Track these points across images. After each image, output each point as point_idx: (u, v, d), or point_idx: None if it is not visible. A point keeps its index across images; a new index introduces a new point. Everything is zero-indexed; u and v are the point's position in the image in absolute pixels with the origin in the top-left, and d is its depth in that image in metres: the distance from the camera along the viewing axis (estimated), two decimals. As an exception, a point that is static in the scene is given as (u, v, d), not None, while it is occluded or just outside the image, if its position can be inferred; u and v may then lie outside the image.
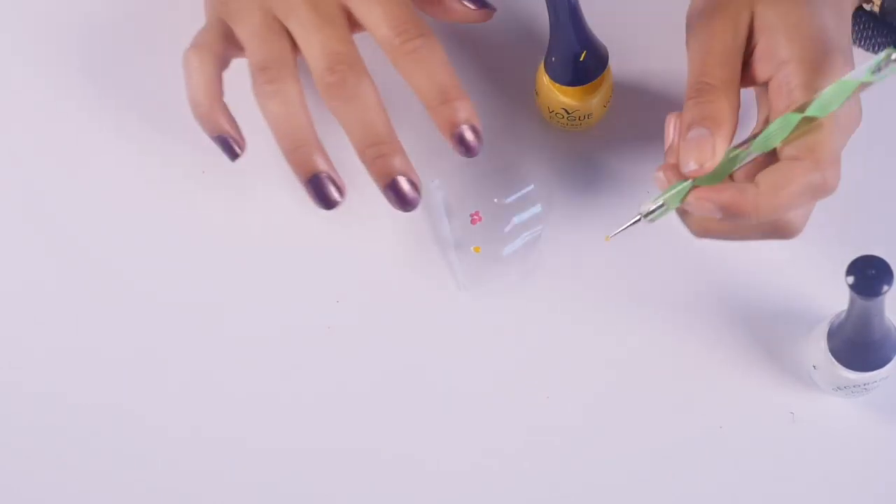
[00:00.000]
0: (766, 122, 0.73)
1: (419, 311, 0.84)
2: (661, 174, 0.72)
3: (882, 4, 0.78)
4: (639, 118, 0.85)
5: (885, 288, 0.68)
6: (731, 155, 0.71)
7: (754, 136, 0.71)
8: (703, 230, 0.74)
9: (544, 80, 0.82)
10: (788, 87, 0.71)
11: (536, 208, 0.84)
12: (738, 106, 0.72)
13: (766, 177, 0.70)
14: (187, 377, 0.84)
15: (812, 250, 0.83)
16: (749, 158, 0.71)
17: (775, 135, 0.70)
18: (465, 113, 0.78)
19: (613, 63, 0.82)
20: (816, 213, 0.83)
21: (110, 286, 0.85)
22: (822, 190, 0.70)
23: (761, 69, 0.73)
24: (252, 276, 0.85)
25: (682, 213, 0.73)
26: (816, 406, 0.81)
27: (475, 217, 0.84)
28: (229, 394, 0.83)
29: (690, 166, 0.71)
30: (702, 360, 0.82)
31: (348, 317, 0.84)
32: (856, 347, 0.75)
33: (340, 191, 0.79)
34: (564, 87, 0.81)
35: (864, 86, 0.69)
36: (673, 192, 0.72)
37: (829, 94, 0.69)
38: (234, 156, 0.81)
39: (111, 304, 0.85)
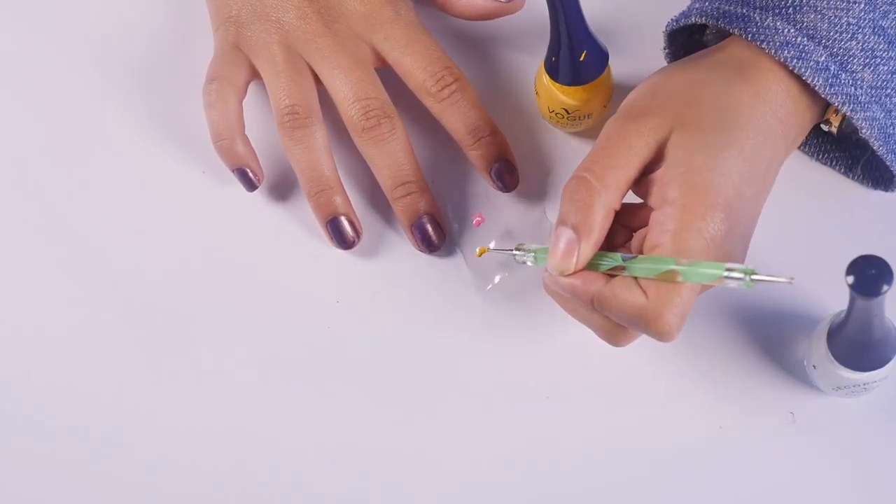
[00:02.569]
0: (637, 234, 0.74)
1: (419, 312, 0.84)
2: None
3: (840, 127, 0.79)
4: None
5: (885, 288, 0.68)
6: (596, 261, 0.73)
7: (622, 255, 0.73)
8: (549, 291, 0.76)
9: (544, 79, 0.82)
10: (662, 228, 0.71)
11: (539, 210, 0.84)
12: (614, 210, 0.73)
13: (614, 285, 0.71)
14: (187, 377, 0.84)
15: (812, 250, 0.83)
16: (607, 269, 0.73)
17: (640, 272, 0.71)
18: (498, 148, 0.82)
19: (613, 63, 0.82)
20: (816, 213, 0.83)
21: (110, 286, 0.85)
22: (652, 331, 0.71)
23: (653, 195, 0.73)
24: (252, 275, 0.85)
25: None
26: (816, 406, 0.81)
27: (477, 219, 0.84)
28: (229, 393, 0.83)
29: (552, 271, 0.73)
30: (702, 360, 0.82)
31: (348, 317, 0.84)
32: (856, 347, 0.75)
33: (357, 232, 0.83)
34: (565, 87, 0.81)
35: (719, 282, 0.70)
36: (542, 255, 0.75)
37: (701, 270, 0.70)
38: (252, 188, 0.84)
39: (111, 303, 0.85)
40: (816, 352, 0.78)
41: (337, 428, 0.82)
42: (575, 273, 0.72)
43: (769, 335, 0.82)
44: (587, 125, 0.84)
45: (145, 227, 0.86)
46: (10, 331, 0.85)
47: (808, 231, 0.83)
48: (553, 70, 0.80)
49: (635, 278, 0.71)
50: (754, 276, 0.70)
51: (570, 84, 0.81)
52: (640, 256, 0.72)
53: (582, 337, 0.80)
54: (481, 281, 0.83)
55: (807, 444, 0.80)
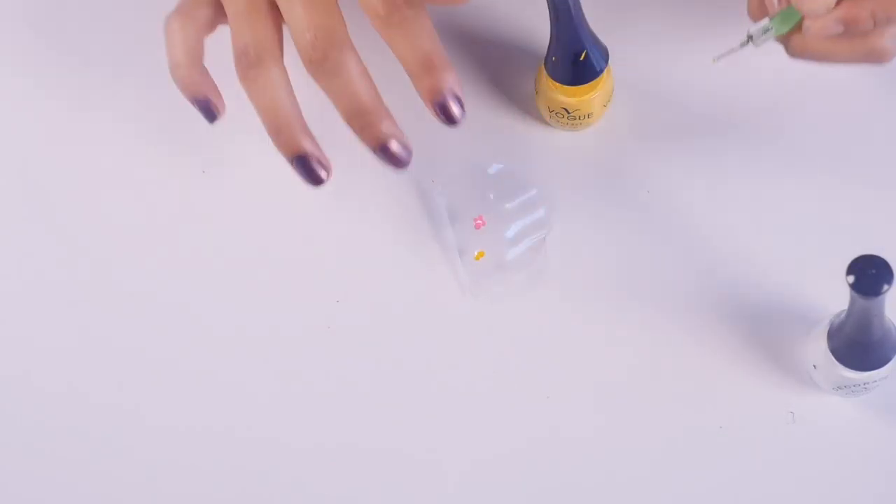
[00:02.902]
0: None
1: (419, 312, 0.84)
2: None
3: None
4: (639, 118, 0.86)
5: (886, 287, 0.68)
6: None
7: None
8: (801, 49, 0.76)
9: (544, 79, 0.82)
10: None
11: (540, 212, 0.84)
12: None
13: None
14: (187, 377, 0.84)
15: (812, 250, 0.83)
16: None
17: None
18: (449, 82, 0.77)
19: (614, 62, 0.82)
20: (817, 212, 0.83)
21: (110, 286, 0.85)
22: None
23: None
24: (253, 275, 0.85)
25: (784, 37, 0.76)
26: (816, 406, 0.81)
27: (478, 222, 0.84)
28: (230, 393, 0.83)
29: (820, 8, 0.74)
30: (702, 360, 0.82)
31: (348, 317, 0.84)
32: (856, 347, 0.75)
33: (326, 169, 0.78)
34: (565, 87, 0.81)
35: None
36: (781, 17, 0.75)
37: None
38: (212, 118, 0.80)
39: (111, 303, 0.85)
40: (816, 352, 0.78)
41: (337, 428, 0.82)
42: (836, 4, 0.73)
43: (769, 335, 0.82)
44: (587, 125, 0.84)
45: (145, 226, 0.86)
46: (10, 331, 0.85)
47: (808, 231, 0.83)
48: (553, 69, 0.80)
49: None
50: None
51: (570, 84, 0.81)
52: None
53: (582, 337, 0.80)
54: (478, 286, 0.83)
55: (807, 444, 0.80)
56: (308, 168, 0.78)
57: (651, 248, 0.84)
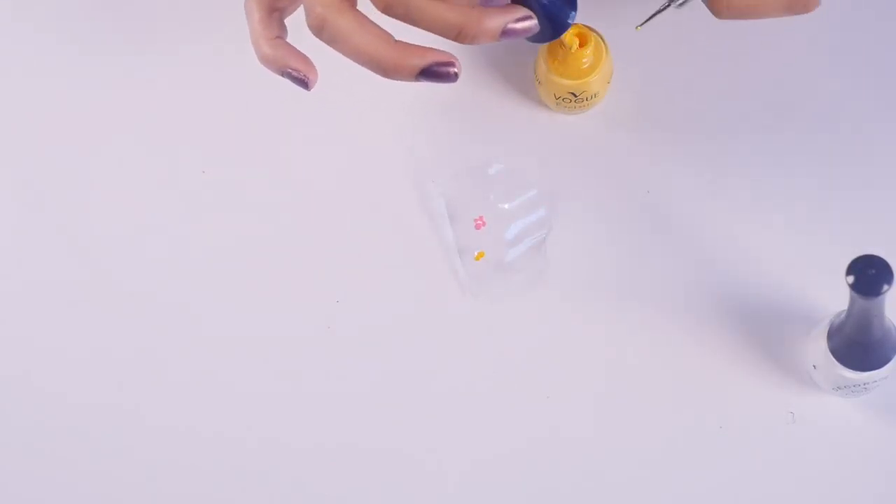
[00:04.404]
0: None
1: (419, 312, 0.84)
2: None
3: None
4: (639, 111, 0.85)
5: (885, 288, 0.68)
6: None
7: None
8: (726, 7, 0.73)
9: (544, 68, 0.82)
10: None
11: (540, 212, 0.84)
12: None
13: None
14: (187, 377, 0.84)
15: (812, 250, 0.83)
16: None
17: None
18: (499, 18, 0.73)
19: (611, 40, 0.82)
20: (817, 212, 0.83)
21: (110, 286, 0.85)
22: None
23: None
24: (253, 275, 0.85)
25: None
26: (816, 406, 0.81)
27: (478, 222, 0.84)
28: (229, 393, 0.83)
29: None
30: (702, 360, 0.82)
31: (348, 317, 0.84)
32: (856, 347, 0.75)
33: (452, 63, 0.74)
34: (567, 72, 0.81)
35: None
36: None
37: None
38: (305, 87, 0.77)
39: (111, 303, 0.85)
40: (816, 352, 0.78)
41: (337, 428, 0.82)
42: None
43: (769, 335, 0.82)
44: (595, 104, 0.84)
45: (145, 226, 0.86)
46: (10, 331, 0.85)
47: (808, 231, 0.83)
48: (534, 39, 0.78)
49: None
50: None
51: (540, 41, 0.78)
52: None
53: (582, 337, 0.80)
54: (478, 286, 0.83)
55: (807, 444, 0.80)
56: (436, 74, 0.74)
57: (651, 248, 0.83)
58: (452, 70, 0.74)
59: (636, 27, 0.74)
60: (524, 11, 0.71)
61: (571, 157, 0.86)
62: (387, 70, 0.75)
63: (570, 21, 0.76)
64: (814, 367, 0.79)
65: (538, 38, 0.77)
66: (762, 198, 0.84)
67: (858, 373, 0.76)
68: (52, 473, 0.83)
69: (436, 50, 0.74)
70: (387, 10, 0.73)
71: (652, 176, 0.84)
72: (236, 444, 0.82)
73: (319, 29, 0.76)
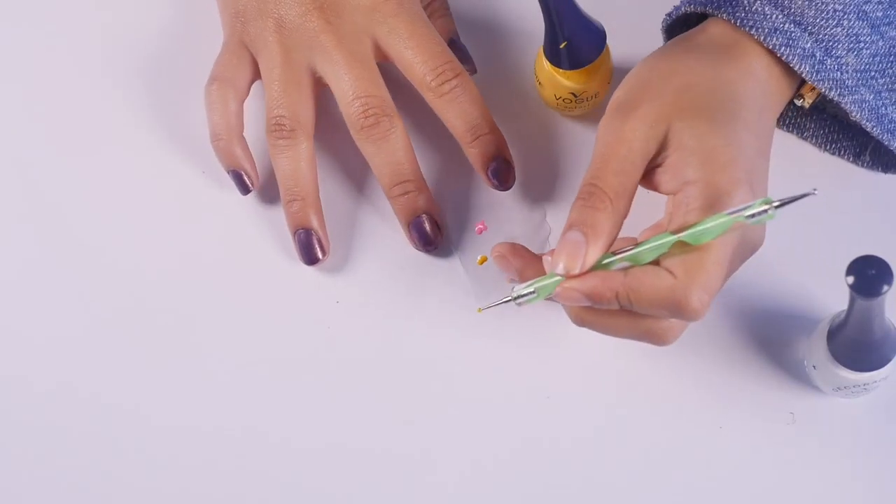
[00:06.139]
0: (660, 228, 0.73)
1: (419, 312, 0.84)
2: (547, 258, 0.73)
3: (813, 102, 0.79)
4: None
5: (885, 288, 0.68)
6: (605, 261, 0.72)
7: (631, 247, 0.72)
8: (579, 319, 0.75)
9: (546, 68, 0.82)
10: (687, 208, 0.71)
11: (540, 215, 0.84)
12: (624, 215, 0.72)
13: (635, 274, 0.70)
14: (187, 377, 0.84)
15: (812, 250, 0.83)
16: (619, 266, 0.72)
17: (648, 252, 0.71)
18: (496, 146, 0.82)
19: (612, 41, 0.82)
20: (817, 212, 0.83)
21: (110, 286, 0.85)
22: (682, 312, 0.70)
23: (667, 182, 0.72)
24: (253, 275, 0.85)
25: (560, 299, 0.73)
26: (816, 406, 0.81)
27: (479, 227, 0.84)
28: (229, 394, 0.83)
29: (559, 269, 0.71)
30: (702, 360, 0.82)
31: (348, 317, 0.84)
32: (856, 347, 0.75)
33: (323, 250, 0.83)
34: (568, 73, 0.81)
35: (739, 225, 0.69)
36: (544, 282, 0.73)
37: (707, 225, 0.69)
38: (245, 191, 0.84)
39: (111, 303, 0.85)
40: (816, 352, 0.78)
41: (337, 428, 0.82)
42: (586, 274, 0.71)
43: (769, 335, 0.82)
44: (595, 104, 0.84)
45: (145, 226, 0.86)
46: (10, 331, 0.85)
47: (808, 231, 0.83)
48: (554, 57, 0.80)
49: (657, 263, 0.71)
50: (775, 204, 0.68)
51: (572, 68, 0.81)
52: (642, 242, 0.71)
53: (582, 337, 0.80)
54: (481, 291, 0.83)
55: (807, 444, 0.80)
56: (309, 244, 0.83)
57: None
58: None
59: (479, 310, 0.77)
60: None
61: (572, 157, 0.86)
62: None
63: (598, 53, 0.79)
64: (814, 367, 0.79)
65: (568, 63, 0.79)
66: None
67: (858, 373, 0.76)
68: (52, 473, 0.83)
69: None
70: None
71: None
72: (236, 444, 0.82)
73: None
